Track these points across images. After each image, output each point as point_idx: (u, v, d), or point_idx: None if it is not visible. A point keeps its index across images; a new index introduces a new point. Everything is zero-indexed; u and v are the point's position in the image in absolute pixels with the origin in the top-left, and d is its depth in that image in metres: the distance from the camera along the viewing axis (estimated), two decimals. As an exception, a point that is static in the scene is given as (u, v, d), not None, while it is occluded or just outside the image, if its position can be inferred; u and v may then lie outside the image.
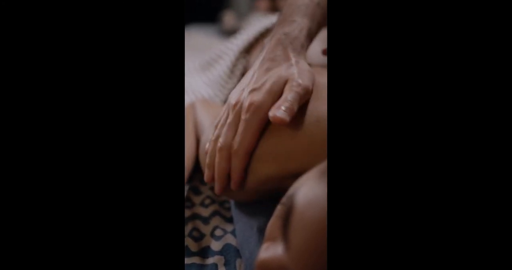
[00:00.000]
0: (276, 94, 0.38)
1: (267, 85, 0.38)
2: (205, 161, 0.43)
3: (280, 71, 0.39)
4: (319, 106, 0.38)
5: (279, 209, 0.28)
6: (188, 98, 0.77)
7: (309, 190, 0.25)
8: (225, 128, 0.40)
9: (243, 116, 0.38)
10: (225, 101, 0.72)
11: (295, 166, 0.37)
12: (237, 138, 0.38)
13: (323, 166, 0.28)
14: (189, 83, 0.82)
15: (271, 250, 0.26)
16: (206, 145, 0.43)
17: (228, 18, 1.33)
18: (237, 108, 0.39)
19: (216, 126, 0.42)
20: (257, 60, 0.43)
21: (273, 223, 0.28)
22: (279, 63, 0.40)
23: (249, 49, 0.73)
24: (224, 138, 0.39)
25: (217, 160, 0.40)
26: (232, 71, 0.74)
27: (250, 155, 0.39)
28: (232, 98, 0.41)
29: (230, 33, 1.31)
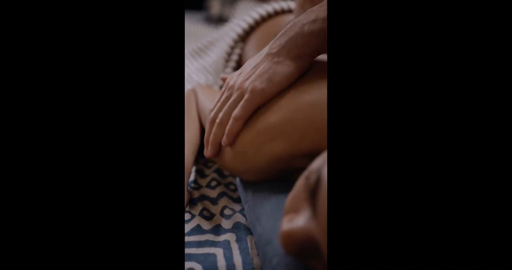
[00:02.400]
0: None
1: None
2: None
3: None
4: None
5: (302, 183, 0.30)
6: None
7: None
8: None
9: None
10: (221, 87, 0.74)
11: (307, 144, 0.40)
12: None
13: None
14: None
15: (295, 221, 0.29)
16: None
17: (215, 6, 1.34)
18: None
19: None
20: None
21: (295, 196, 0.30)
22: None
23: (244, 38, 0.74)
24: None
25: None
26: (227, 59, 0.76)
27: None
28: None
29: (216, 20, 1.32)
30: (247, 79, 0.43)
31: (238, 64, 0.75)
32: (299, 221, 0.29)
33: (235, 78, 0.46)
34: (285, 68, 0.42)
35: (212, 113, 0.46)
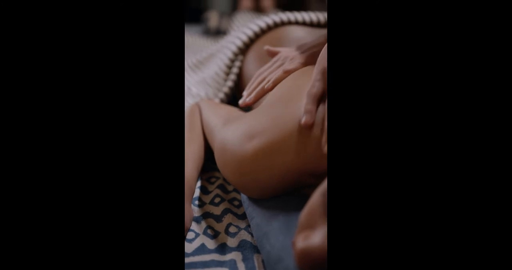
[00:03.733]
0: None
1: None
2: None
3: None
4: None
5: (318, 199, 0.29)
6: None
7: None
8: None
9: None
10: (222, 102, 0.73)
11: (319, 160, 0.39)
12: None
13: None
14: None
15: (312, 238, 0.28)
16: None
17: (213, 18, 1.34)
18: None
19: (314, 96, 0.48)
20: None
21: (311, 212, 0.29)
22: None
23: (244, 50, 0.74)
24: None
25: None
26: (227, 72, 0.75)
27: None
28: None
29: (214, 33, 1.32)
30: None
31: (239, 77, 0.75)
32: (315, 238, 0.28)
33: (287, 52, 0.56)
34: None
35: (260, 73, 0.56)
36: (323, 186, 0.29)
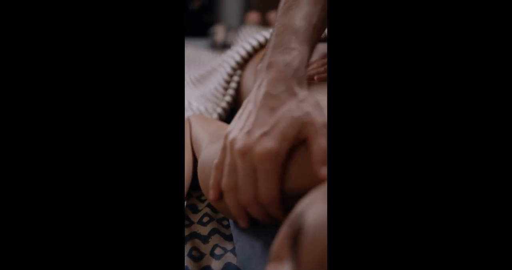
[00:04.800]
0: (293, 138, 0.35)
1: (281, 129, 0.35)
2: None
3: (291, 112, 0.35)
4: None
5: (285, 230, 0.28)
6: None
7: (321, 210, 0.25)
8: (242, 180, 0.37)
9: (261, 166, 0.35)
10: (220, 117, 0.72)
11: (292, 186, 0.37)
12: (263, 190, 0.36)
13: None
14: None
15: None
16: (210, 181, 0.41)
17: (220, 32, 1.34)
18: (248, 155, 0.36)
19: (217, 167, 0.40)
20: (255, 92, 0.39)
21: (280, 242, 0.28)
22: (285, 101, 0.36)
23: (242, 65, 0.73)
24: (245, 191, 0.37)
25: (251, 211, 0.39)
26: (226, 87, 0.75)
27: (280, 198, 0.37)
28: (236, 141, 0.37)
29: (221, 46, 1.33)
30: None
31: (237, 92, 0.74)
32: None
33: None
34: None
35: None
36: (292, 216, 0.28)
